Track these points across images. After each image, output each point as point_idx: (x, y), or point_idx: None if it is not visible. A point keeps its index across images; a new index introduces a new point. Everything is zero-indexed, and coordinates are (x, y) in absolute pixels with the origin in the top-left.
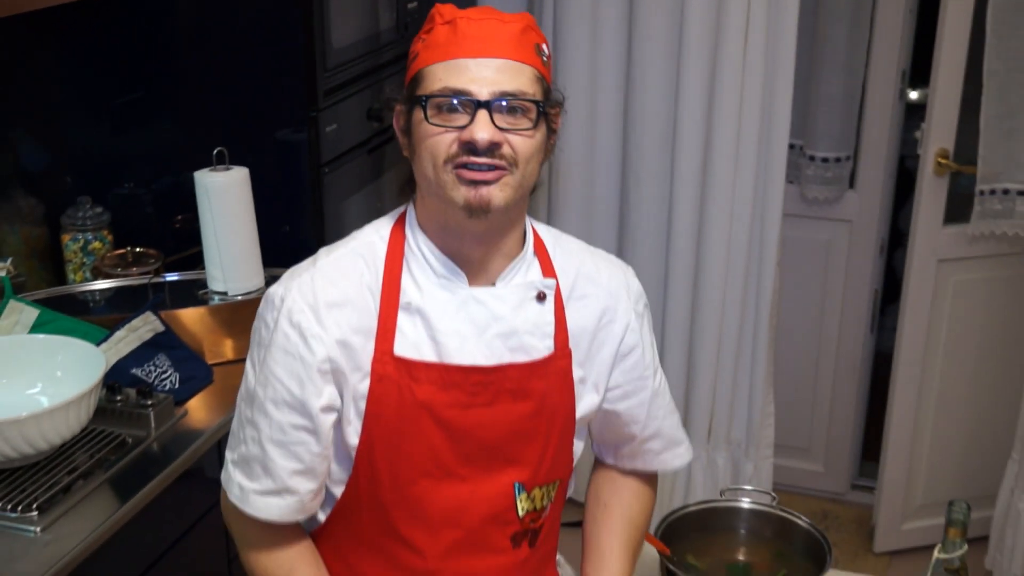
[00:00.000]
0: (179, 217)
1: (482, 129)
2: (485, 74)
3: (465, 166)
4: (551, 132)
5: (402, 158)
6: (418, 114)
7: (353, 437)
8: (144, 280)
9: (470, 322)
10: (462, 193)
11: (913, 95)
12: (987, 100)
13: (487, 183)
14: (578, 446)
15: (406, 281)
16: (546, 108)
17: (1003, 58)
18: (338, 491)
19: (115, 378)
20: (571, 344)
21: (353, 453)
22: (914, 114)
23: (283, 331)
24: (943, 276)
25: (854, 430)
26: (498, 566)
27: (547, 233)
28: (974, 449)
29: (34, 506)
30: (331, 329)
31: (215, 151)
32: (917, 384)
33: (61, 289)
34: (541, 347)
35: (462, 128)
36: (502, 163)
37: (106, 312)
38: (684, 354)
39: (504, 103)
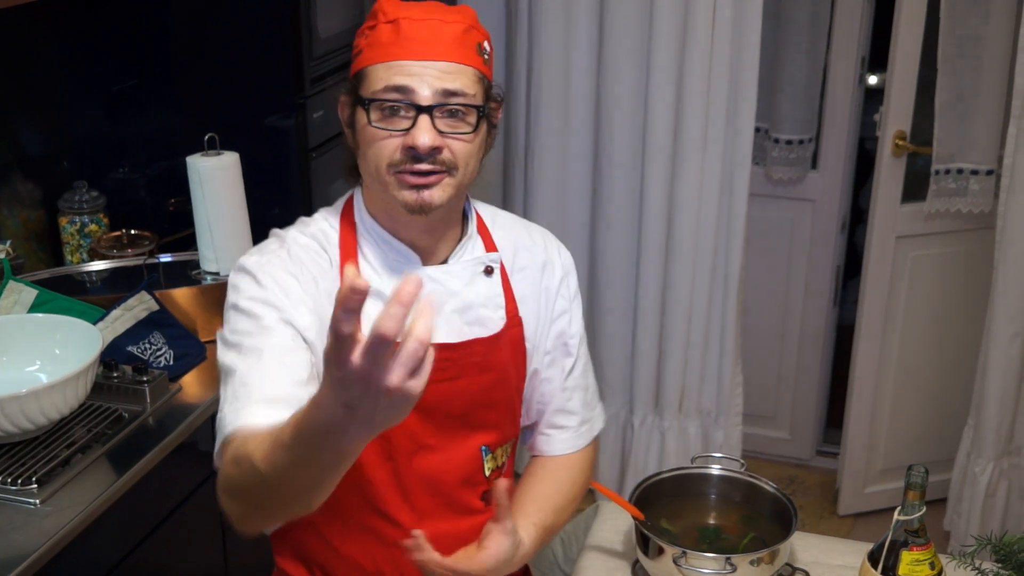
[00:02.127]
0: (172, 200)
1: (423, 135)
2: (427, 78)
3: (404, 171)
4: (491, 128)
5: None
6: (362, 114)
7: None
8: (139, 261)
9: None
10: (404, 195)
11: (872, 80)
12: (941, 85)
13: (428, 187)
14: None
15: (363, 266)
16: (487, 110)
17: (956, 45)
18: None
19: (112, 355)
20: (520, 313)
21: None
22: (873, 98)
23: (271, 276)
24: (901, 252)
25: (818, 399)
26: (473, 526)
27: (486, 211)
28: (932, 416)
29: (34, 479)
30: (308, 297)
31: (207, 136)
32: (877, 355)
33: (59, 270)
34: (496, 318)
35: (404, 132)
36: (442, 168)
37: (102, 292)
38: (656, 328)
39: (445, 107)
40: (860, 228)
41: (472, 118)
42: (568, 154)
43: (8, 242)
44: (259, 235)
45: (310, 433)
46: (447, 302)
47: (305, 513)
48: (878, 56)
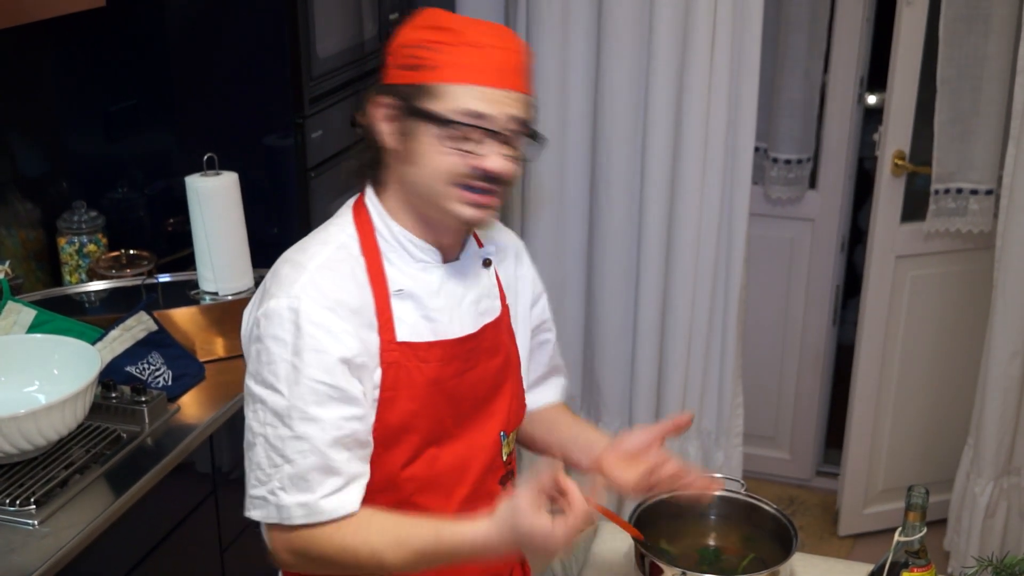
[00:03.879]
0: (171, 220)
1: (499, 161)
2: (505, 107)
3: (470, 188)
4: None
5: (360, 146)
6: (424, 125)
7: (368, 425)
8: (138, 281)
9: (450, 296)
10: (463, 210)
11: (871, 100)
12: (940, 105)
13: (487, 206)
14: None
15: (389, 270)
16: (536, 135)
17: (955, 66)
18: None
19: (110, 376)
20: (508, 300)
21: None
22: (872, 118)
23: (308, 334)
24: (901, 271)
25: (818, 419)
26: (491, 508)
27: None
28: (932, 436)
29: (32, 500)
30: (349, 325)
31: (206, 157)
32: (877, 375)
33: (57, 290)
34: (495, 306)
35: (469, 152)
36: (500, 189)
37: (101, 312)
38: (656, 348)
39: (514, 133)
40: (859, 248)
41: (522, 141)
42: (566, 173)
43: (7, 262)
44: (258, 255)
45: (464, 552)
46: (465, 296)
47: None
48: (877, 75)
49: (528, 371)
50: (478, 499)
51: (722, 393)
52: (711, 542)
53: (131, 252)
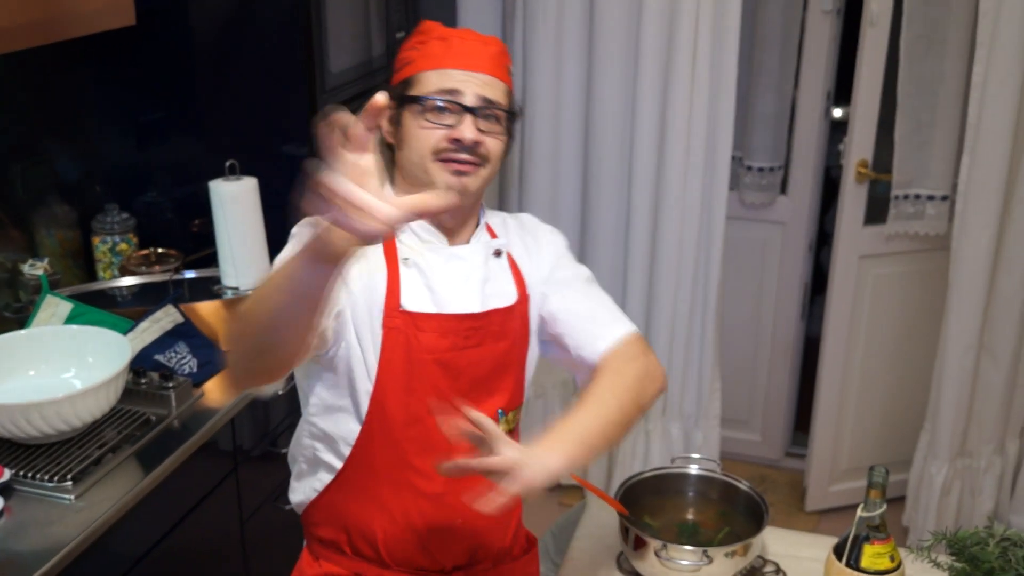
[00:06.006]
0: (196, 221)
1: (468, 130)
2: (472, 85)
3: (450, 160)
4: (510, 138)
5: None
6: (410, 110)
7: (367, 383)
8: (165, 277)
9: (455, 273)
10: (445, 179)
11: (837, 113)
12: (900, 118)
13: (467, 174)
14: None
15: (399, 245)
16: (514, 118)
17: (914, 82)
18: (353, 437)
19: (140, 363)
20: (528, 290)
21: (368, 398)
22: (838, 129)
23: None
24: (864, 271)
25: (787, 405)
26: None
27: (490, 214)
28: (891, 421)
29: (69, 477)
30: (360, 266)
31: (228, 163)
32: (842, 365)
33: (92, 285)
34: (509, 292)
35: (449, 127)
36: (478, 160)
37: (132, 305)
38: None
39: (485, 110)
40: (826, 248)
41: (503, 122)
42: (559, 179)
43: (46, 259)
44: (275, 253)
45: (301, 257)
46: (471, 276)
47: (282, 357)
48: (843, 90)
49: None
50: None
51: (701, 380)
52: (690, 517)
53: (159, 250)
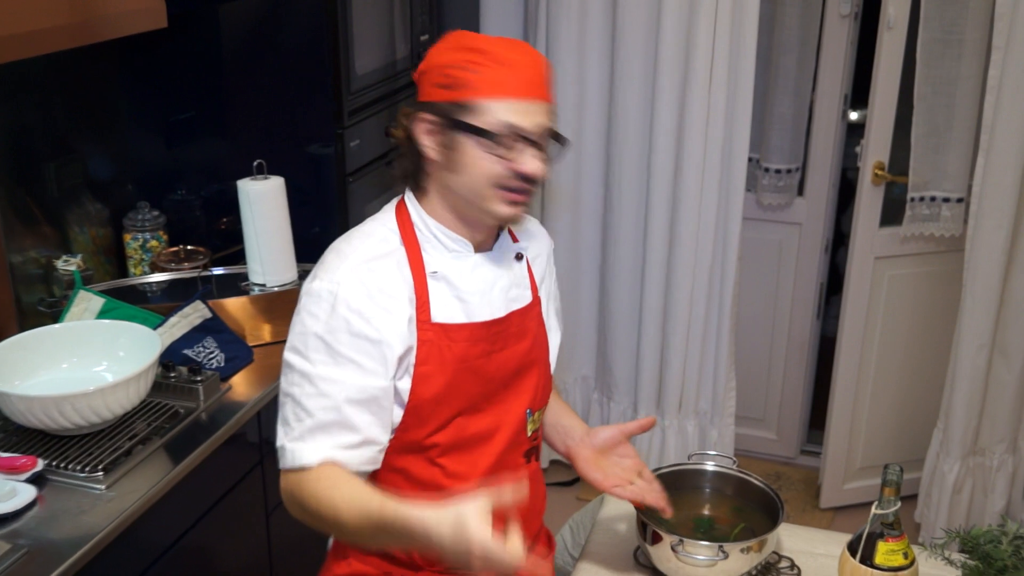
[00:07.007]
0: (224, 219)
1: (533, 164)
2: (536, 117)
3: (510, 189)
4: None
5: (396, 155)
6: (466, 137)
7: (404, 394)
8: (194, 274)
9: (481, 282)
10: (503, 209)
11: (854, 115)
12: (917, 120)
13: (522, 203)
14: None
15: (426, 257)
16: (562, 142)
17: (930, 84)
18: (385, 440)
19: (169, 357)
20: (539, 293)
21: (404, 407)
22: (855, 132)
23: (342, 316)
24: (879, 271)
25: (803, 403)
26: (513, 477)
27: None
28: (905, 420)
29: (100, 467)
30: (384, 309)
31: (255, 163)
32: (857, 364)
33: (123, 281)
34: (526, 295)
35: (508, 158)
36: (534, 188)
37: (162, 301)
38: (659, 337)
39: (544, 138)
40: (842, 249)
41: (549, 144)
42: (582, 180)
43: (79, 256)
44: (301, 251)
45: (398, 527)
46: (496, 283)
47: None
48: (860, 93)
49: None
50: (501, 469)
51: (717, 378)
52: (706, 512)
53: (188, 247)
